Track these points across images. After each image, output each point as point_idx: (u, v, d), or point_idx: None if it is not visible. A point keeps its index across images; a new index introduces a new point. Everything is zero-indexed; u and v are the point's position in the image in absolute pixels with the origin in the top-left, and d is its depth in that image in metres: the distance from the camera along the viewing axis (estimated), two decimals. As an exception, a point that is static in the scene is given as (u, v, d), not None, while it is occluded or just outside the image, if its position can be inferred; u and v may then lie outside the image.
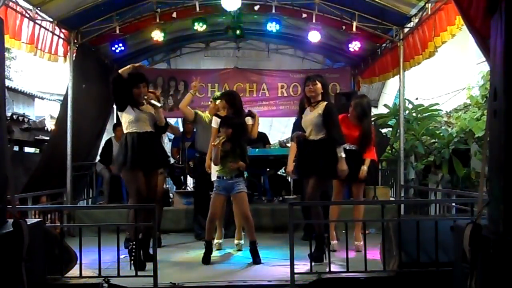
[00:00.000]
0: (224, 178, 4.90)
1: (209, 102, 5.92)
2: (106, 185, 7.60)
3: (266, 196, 7.92)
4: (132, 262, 4.37)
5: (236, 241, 5.42)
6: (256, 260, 4.81)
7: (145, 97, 4.75)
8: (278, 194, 8.04)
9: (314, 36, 7.56)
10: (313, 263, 4.13)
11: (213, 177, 5.46)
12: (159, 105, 4.80)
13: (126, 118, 4.65)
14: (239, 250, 5.37)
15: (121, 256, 4.31)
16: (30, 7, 6.11)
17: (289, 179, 8.18)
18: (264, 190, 8.01)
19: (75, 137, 6.96)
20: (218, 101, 5.66)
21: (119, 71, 4.64)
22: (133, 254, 4.47)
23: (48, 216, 6.08)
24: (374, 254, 4.39)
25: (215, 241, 5.46)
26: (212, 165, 5.37)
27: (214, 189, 4.96)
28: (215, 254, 5.22)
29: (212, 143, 4.89)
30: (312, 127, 4.81)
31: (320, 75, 5.07)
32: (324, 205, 4.80)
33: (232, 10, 7.07)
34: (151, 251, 4.61)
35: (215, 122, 5.36)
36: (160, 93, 9.76)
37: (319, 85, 4.80)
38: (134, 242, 4.54)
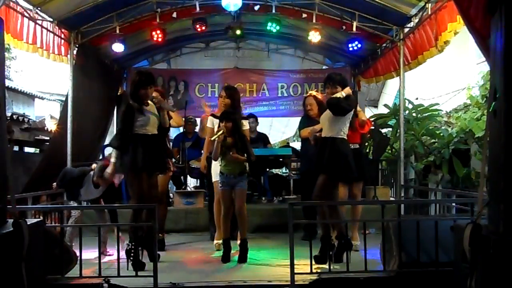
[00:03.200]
0: (227, 175, 4.93)
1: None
2: None
3: (266, 196, 7.93)
4: (131, 262, 4.36)
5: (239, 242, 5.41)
6: (242, 258, 4.86)
7: (155, 100, 4.77)
8: (278, 194, 8.05)
9: (314, 36, 7.51)
10: (313, 263, 4.12)
11: (213, 178, 5.46)
12: (174, 109, 4.86)
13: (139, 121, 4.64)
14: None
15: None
16: (30, 7, 6.11)
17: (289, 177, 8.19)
18: (264, 190, 8.02)
19: (77, 138, 6.97)
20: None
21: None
22: (132, 254, 4.46)
23: (48, 216, 6.06)
24: (374, 254, 4.39)
25: (215, 241, 5.47)
26: (212, 166, 5.38)
27: (220, 185, 5.00)
28: (216, 254, 5.22)
29: (211, 138, 4.90)
30: (324, 124, 4.76)
31: (337, 75, 4.88)
32: (322, 205, 4.77)
33: (232, 10, 7.07)
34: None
35: (211, 122, 5.38)
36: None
37: (337, 89, 4.71)
38: (133, 243, 4.51)
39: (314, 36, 7.46)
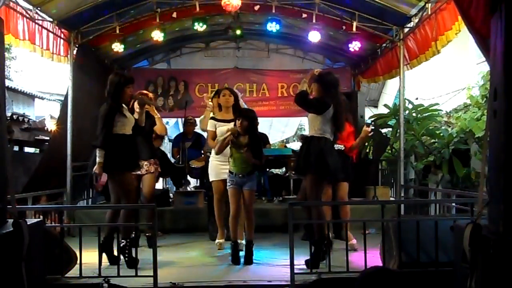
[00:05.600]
0: (236, 174, 4.88)
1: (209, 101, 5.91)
2: None
3: (266, 196, 7.92)
4: (126, 260, 4.46)
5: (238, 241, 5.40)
6: (248, 260, 4.80)
7: (146, 94, 4.85)
8: (278, 194, 8.05)
9: (314, 36, 7.55)
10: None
11: (211, 177, 5.45)
12: (158, 115, 5.20)
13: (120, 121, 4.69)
14: (240, 250, 5.34)
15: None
16: (30, 7, 6.11)
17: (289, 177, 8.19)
18: (264, 190, 8.02)
19: (76, 137, 6.96)
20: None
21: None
22: (127, 252, 4.54)
23: (48, 216, 6.07)
24: (374, 254, 4.39)
25: (217, 240, 5.47)
26: (211, 166, 5.38)
27: (229, 183, 4.94)
28: (216, 254, 5.22)
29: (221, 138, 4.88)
30: (308, 124, 4.84)
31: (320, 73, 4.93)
32: (322, 205, 4.77)
33: (232, 10, 7.06)
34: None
35: (212, 125, 5.38)
36: (160, 93, 9.85)
37: (316, 85, 4.80)
38: (127, 240, 4.59)
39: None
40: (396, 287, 2.09)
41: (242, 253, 5.03)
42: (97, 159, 4.58)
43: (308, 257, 4.27)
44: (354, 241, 5.21)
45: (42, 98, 15.79)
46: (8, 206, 3.26)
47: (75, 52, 7.15)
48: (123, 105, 4.78)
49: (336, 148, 5.07)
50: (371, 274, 2.12)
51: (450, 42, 6.00)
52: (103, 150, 4.56)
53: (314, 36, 7.53)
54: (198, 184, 8.49)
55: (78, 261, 4.00)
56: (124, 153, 4.63)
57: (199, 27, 7.53)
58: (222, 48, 10.25)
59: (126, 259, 4.49)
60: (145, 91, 5.68)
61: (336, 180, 5.20)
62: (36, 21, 6.23)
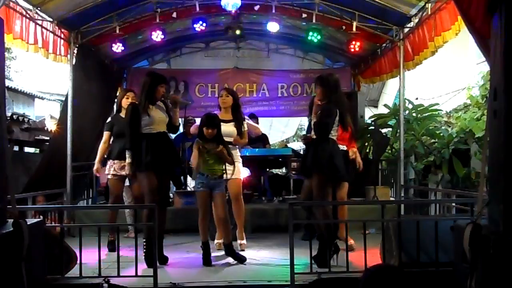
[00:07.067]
0: (208, 176, 4.87)
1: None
2: None
3: (266, 196, 7.92)
4: (145, 255, 4.54)
5: (239, 241, 5.42)
6: (237, 259, 4.84)
7: (170, 97, 5.09)
8: (278, 194, 8.04)
9: (273, 27, 7.52)
10: (313, 263, 4.13)
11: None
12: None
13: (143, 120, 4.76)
14: (242, 250, 5.35)
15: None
16: (30, 7, 6.11)
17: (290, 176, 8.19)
18: (264, 190, 8.01)
19: (76, 137, 6.96)
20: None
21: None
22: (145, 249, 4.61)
23: (48, 216, 6.06)
24: (374, 254, 4.39)
25: (216, 241, 5.47)
26: None
27: (198, 186, 4.93)
28: (216, 254, 5.22)
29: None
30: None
31: (321, 76, 5.00)
32: (324, 205, 4.77)
33: (232, 10, 7.06)
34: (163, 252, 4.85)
35: None
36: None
37: (319, 89, 4.82)
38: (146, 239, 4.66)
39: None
40: (401, 284, 2.11)
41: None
42: (127, 160, 4.74)
43: (309, 258, 4.27)
44: (352, 242, 5.20)
45: (42, 98, 15.82)
46: (8, 206, 3.26)
47: (75, 52, 7.16)
48: (157, 103, 4.87)
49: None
50: (375, 272, 2.13)
51: (448, 42, 6.01)
52: (130, 151, 4.72)
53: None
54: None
55: (78, 261, 4.00)
56: (145, 152, 4.67)
57: (199, 27, 7.50)
58: (222, 48, 10.24)
59: (145, 255, 4.56)
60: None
61: (339, 180, 5.21)
62: (36, 21, 6.23)
